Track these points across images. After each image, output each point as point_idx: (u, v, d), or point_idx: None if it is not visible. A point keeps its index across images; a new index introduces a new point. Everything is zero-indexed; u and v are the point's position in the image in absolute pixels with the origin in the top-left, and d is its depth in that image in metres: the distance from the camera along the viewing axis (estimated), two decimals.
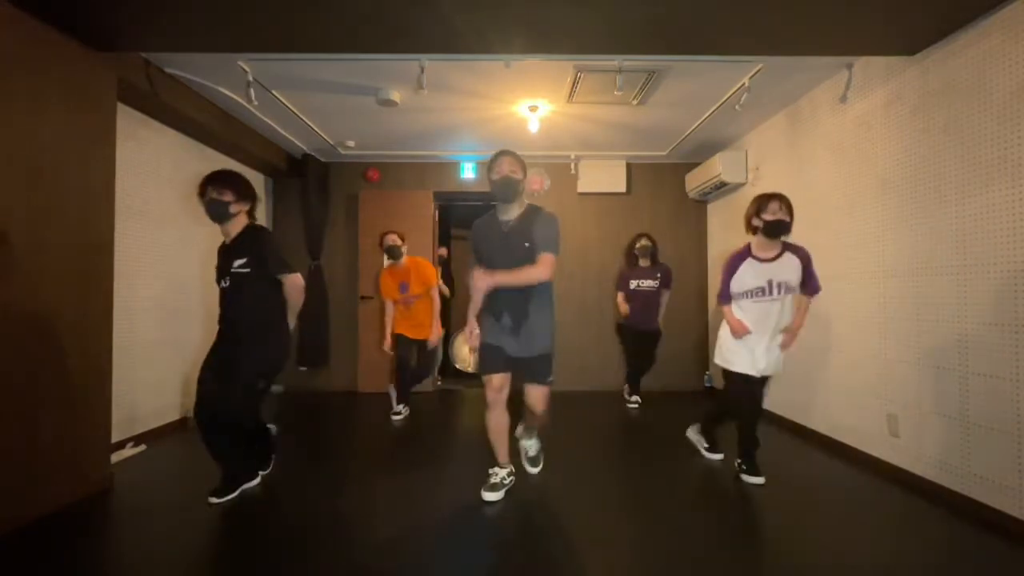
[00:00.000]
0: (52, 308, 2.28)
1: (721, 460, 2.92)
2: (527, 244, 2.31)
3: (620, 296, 4.42)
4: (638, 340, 4.39)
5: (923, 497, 2.42)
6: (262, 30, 2.43)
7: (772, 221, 2.47)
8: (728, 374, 2.66)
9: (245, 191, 2.38)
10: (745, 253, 2.59)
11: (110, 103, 2.62)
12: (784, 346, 2.57)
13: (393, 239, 3.93)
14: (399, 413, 4.03)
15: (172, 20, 2.34)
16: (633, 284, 4.32)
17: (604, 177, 5.10)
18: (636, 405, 4.38)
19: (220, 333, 2.41)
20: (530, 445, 2.75)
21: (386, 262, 4.14)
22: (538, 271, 2.27)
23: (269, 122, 4.01)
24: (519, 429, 2.76)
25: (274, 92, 3.47)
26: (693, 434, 3.07)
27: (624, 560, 1.89)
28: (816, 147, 3.39)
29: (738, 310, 2.62)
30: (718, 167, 4.34)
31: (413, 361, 4.10)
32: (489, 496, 2.37)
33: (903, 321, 2.64)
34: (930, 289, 2.49)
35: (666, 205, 5.20)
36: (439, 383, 5.35)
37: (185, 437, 3.50)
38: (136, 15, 2.29)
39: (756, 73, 3.13)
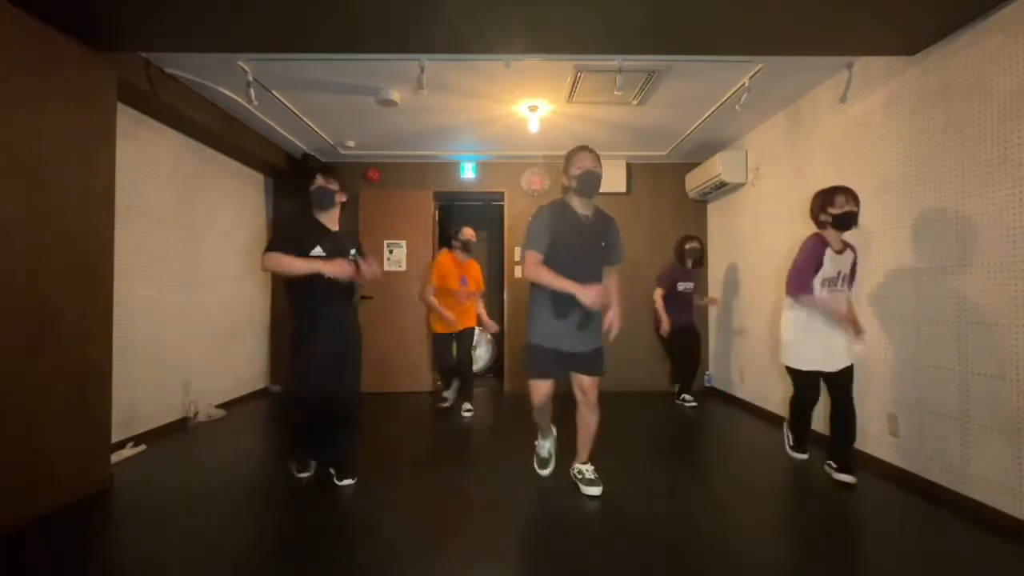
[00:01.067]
0: (52, 308, 2.28)
1: (804, 459, 2.91)
2: (604, 244, 2.42)
3: (658, 294, 4.40)
4: (690, 340, 4.46)
5: (923, 497, 2.42)
6: (262, 30, 2.43)
7: (841, 214, 2.49)
8: (799, 374, 2.64)
9: (343, 186, 2.65)
10: (825, 241, 2.57)
11: (110, 103, 2.62)
12: (858, 334, 2.54)
13: (471, 234, 4.11)
14: (445, 400, 4.29)
15: (172, 20, 2.34)
16: (681, 286, 4.38)
17: (604, 177, 5.05)
18: (693, 404, 4.42)
19: (328, 311, 2.49)
20: (586, 469, 2.54)
21: (452, 254, 4.13)
22: (615, 281, 2.50)
23: (269, 122, 4.01)
24: (575, 467, 2.60)
25: (274, 92, 3.47)
26: (786, 428, 3.04)
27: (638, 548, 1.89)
28: (816, 147, 3.39)
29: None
30: (718, 167, 4.34)
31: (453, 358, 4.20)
32: (543, 471, 2.68)
33: (903, 321, 2.64)
34: (930, 289, 2.49)
35: (666, 205, 5.20)
36: (439, 383, 5.34)
37: (185, 437, 3.50)
38: (136, 15, 2.28)
39: (756, 73, 3.13)
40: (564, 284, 2.21)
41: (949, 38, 2.39)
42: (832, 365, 2.57)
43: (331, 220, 2.59)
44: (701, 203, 5.22)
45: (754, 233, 4.24)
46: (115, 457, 2.88)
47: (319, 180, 2.54)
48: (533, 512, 2.31)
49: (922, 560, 1.90)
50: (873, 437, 2.84)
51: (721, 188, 4.57)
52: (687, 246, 4.39)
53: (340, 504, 2.38)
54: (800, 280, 2.55)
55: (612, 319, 2.40)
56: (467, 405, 4.18)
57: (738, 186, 4.44)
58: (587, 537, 2.06)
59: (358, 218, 5.07)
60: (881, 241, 2.80)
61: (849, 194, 2.50)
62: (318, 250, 2.45)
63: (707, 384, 5.09)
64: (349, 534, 2.09)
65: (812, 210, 2.62)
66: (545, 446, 2.69)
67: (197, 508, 2.31)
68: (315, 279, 2.41)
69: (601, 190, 5.52)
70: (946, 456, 2.39)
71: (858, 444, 2.94)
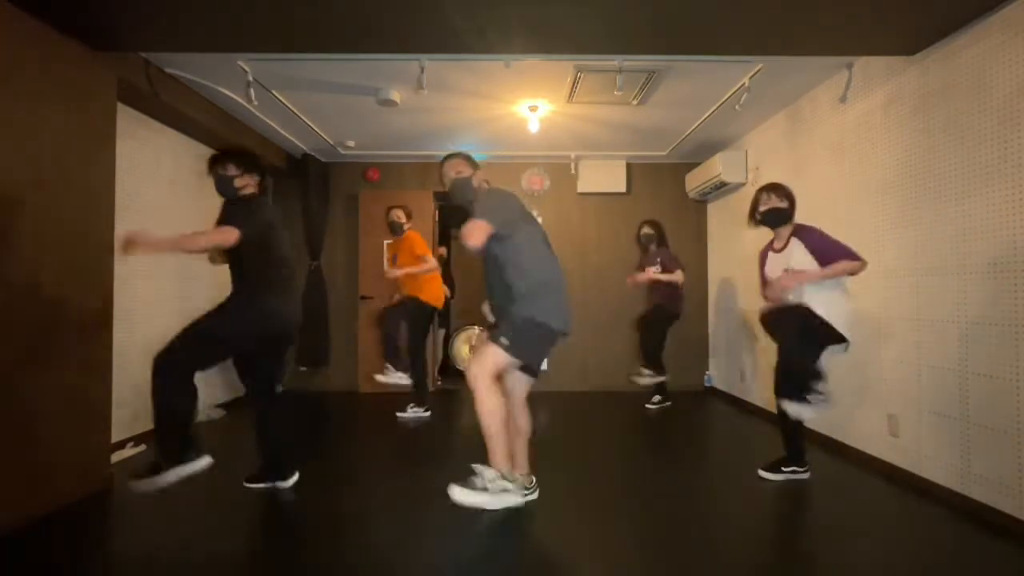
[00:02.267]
0: (52, 308, 2.28)
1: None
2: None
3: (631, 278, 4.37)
4: (653, 322, 4.33)
5: (923, 497, 2.42)
6: (262, 30, 2.43)
7: (765, 211, 2.51)
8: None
9: (250, 163, 2.32)
10: (768, 246, 2.63)
11: (110, 103, 2.62)
12: (784, 285, 2.37)
13: (396, 215, 4.03)
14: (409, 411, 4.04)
15: (172, 20, 2.33)
16: (649, 271, 4.28)
17: (604, 177, 5.10)
18: (658, 404, 4.32)
19: None
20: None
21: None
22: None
23: (269, 122, 4.01)
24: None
25: (274, 92, 3.47)
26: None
27: (622, 560, 1.89)
28: (816, 147, 3.39)
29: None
30: (718, 167, 4.33)
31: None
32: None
33: (903, 321, 2.64)
34: (930, 289, 2.49)
35: (666, 205, 5.19)
36: (439, 383, 5.35)
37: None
38: (136, 15, 2.28)
39: (756, 73, 3.13)
40: None
41: (949, 38, 2.39)
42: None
43: None
44: (701, 203, 5.22)
45: (754, 233, 4.22)
46: (115, 457, 2.88)
47: (217, 169, 2.28)
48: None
49: (922, 560, 1.90)
50: (873, 437, 2.84)
51: (721, 188, 4.57)
52: (640, 232, 4.40)
53: (339, 504, 2.38)
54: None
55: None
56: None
57: (738, 186, 4.44)
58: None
59: (358, 218, 5.07)
60: (881, 241, 2.80)
61: (773, 191, 2.49)
62: None
63: (707, 384, 5.09)
64: (349, 534, 2.09)
65: (749, 213, 2.63)
66: (510, 496, 2.00)
67: (197, 508, 2.31)
68: None
69: (601, 190, 5.50)
70: (946, 456, 2.39)
71: (858, 444, 2.95)
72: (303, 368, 4.99)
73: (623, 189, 5.12)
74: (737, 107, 3.47)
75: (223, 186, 2.28)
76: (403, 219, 4.03)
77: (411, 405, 4.04)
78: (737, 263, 4.56)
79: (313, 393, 4.99)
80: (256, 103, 3.35)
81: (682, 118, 3.99)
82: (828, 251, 2.40)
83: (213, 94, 3.46)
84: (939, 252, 2.44)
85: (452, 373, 5.80)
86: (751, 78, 3.18)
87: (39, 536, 2.06)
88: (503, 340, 2.01)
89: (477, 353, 2.04)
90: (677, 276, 4.20)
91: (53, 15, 2.22)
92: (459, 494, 1.92)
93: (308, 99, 3.62)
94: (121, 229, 2.95)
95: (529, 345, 2.08)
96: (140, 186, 3.35)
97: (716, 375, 5.01)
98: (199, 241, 2.13)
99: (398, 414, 4.00)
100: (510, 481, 1.99)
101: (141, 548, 1.97)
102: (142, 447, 3.17)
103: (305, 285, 4.96)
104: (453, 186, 2.26)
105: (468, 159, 2.32)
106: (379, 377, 3.90)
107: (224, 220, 2.16)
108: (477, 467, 2.00)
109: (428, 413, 4.05)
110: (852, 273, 2.36)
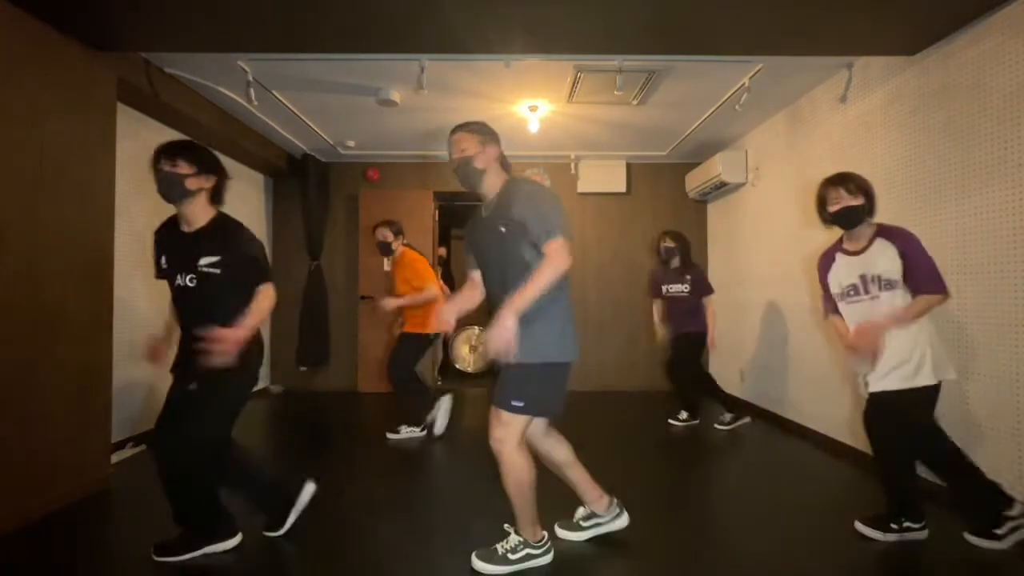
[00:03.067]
0: (52, 308, 2.28)
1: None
2: (502, 229, 1.74)
3: (655, 308, 3.88)
4: (683, 353, 3.73)
5: (923, 497, 2.41)
6: (262, 30, 2.43)
7: (837, 211, 2.02)
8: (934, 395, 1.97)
9: (206, 163, 1.89)
10: (836, 247, 2.14)
11: (110, 103, 2.62)
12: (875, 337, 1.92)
13: (382, 234, 3.41)
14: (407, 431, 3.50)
15: (172, 20, 2.34)
16: (665, 290, 3.76)
17: (604, 177, 5.10)
18: (687, 422, 3.77)
19: (179, 351, 1.92)
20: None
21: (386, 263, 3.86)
22: (546, 265, 1.66)
23: (269, 122, 4.01)
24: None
25: (274, 92, 3.47)
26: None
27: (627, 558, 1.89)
28: (816, 147, 3.39)
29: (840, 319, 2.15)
30: (718, 167, 4.34)
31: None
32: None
33: None
34: None
35: (666, 205, 5.20)
36: (439, 383, 5.35)
37: None
38: (136, 15, 2.28)
39: (756, 73, 3.13)
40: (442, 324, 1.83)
41: (949, 38, 2.39)
42: (863, 391, 2.07)
43: (187, 217, 1.88)
44: (701, 203, 5.22)
45: (754, 233, 4.24)
46: (115, 457, 2.88)
47: (162, 163, 1.81)
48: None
49: (922, 560, 1.90)
50: None
51: (721, 188, 4.57)
52: (661, 244, 3.78)
53: (339, 504, 2.38)
54: (823, 300, 2.22)
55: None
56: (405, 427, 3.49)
57: (738, 186, 4.44)
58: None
59: (358, 218, 5.07)
60: None
61: (845, 185, 2.01)
62: (163, 260, 1.90)
63: None
64: (347, 536, 2.09)
65: (817, 209, 2.14)
66: (535, 560, 1.80)
67: None
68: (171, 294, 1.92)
69: (601, 190, 5.48)
70: None
71: (857, 444, 2.95)
72: (303, 368, 4.99)
73: (623, 189, 5.13)
74: (737, 107, 3.47)
75: (169, 186, 1.81)
76: (390, 238, 3.40)
77: (406, 425, 3.52)
78: (737, 263, 4.56)
79: (313, 393, 4.99)
80: (256, 103, 3.36)
81: (682, 118, 3.99)
82: (919, 268, 1.93)
83: (213, 94, 3.46)
84: (939, 252, 2.43)
85: (452, 373, 5.81)
86: (751, 78, 3.18)
87: (39, 536, 2.06)
88: (517, 404, 1.70)
89: (498, 419, 1.74)
90: (710, 308, 3.69)
91: (53, 15, 2.23)
92: (480, 566, 1.77)
93: (308, 99, 3.62)
94: (121, 229, 2.96)
95: (546, 395, 1.75)
96: (140, 186, 3.34)
97: (717, 376, 5.00)
98: (262, 317, 1.87)
99: (389, 435, 3.47)
100: (534, 548, 1.81)
101: (141, 548, 1.97)
102: (142, 447, 3.17)
103: (305, 285, 4.97)
104: (458, 170, 1.85)
105: (477, 131, 1.86)
106: (391, 436, 3.45)
107: (226, 264, 1.83)
108: (507, 527, 1.84)
109: (423, 432, 3.49)
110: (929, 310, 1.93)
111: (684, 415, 3.80)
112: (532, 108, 3.74)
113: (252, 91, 3.19)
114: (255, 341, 1.91)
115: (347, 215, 5.19)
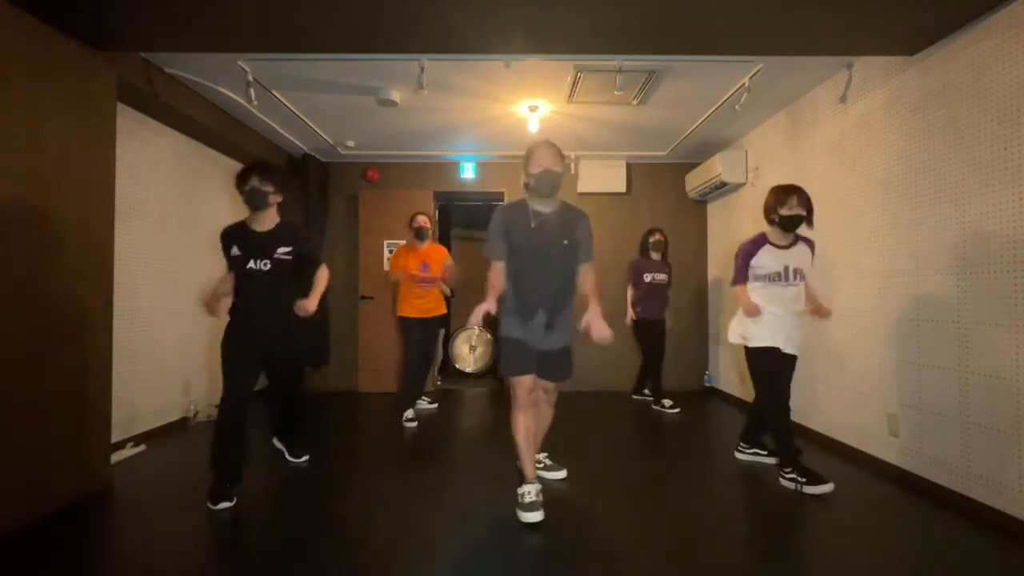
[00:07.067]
0: (52, 308, 2.28)
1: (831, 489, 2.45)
2: (566, 242, 2.27)
3: (630, 292, 4.38)
4: (651, 329, 4.33)
5: (923, 497, 2.42)
6: (262, 30, 2.43)
7: (789, 216, 2.52)
8: (752, 352, 2.66)
9: (284, 184, 2.56)
10: (762, 240, 2.64)
11: (110, 103, 2.62)
12: (822, 315, 2.67)
13: (424, 221, 4.01)
14: (412, 420, 3.81)
15: (172, 20, 2.34)
16: (648, 277, 4.28)
17: (604, 177, 5.10)
18: (674, 409, 4.20)
19: (248, 314, 2.47)
20: (542, 456, 2.73)
21: (407, 242, 4.14)
22: (591, 281, 2.35)
23: (269, 122, 4.01)
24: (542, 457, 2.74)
25: (274, 92, 3.47)
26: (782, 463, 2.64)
27: (627, 553, 1.89)
28: (816, 147, 3.39)
29: (752, 295, 2.65)
30: (718, 167, 4.34)
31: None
32: (531, 517, 2.12)
33: (903, 321, 2.64)
34: (930, 289, 2.49)
35: (666, 205, 5.20)
36: (439, 382, 5.35)
37: (185, 437, 3.50)
38: (136, 15, 2.28)
39: (756, 73, 3.13)
40: (489, 305, 2.16)
41: (949, 38, 2.39)
42: (783, 345, 2.59)
43: (260, 220, 2.50)
44: (701, 203, 5.22)
45: (754, 233, 4.22)
46: (115, 457, 2.88)
47: (253, 181, 2.44)
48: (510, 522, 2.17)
49: (922, 560, 1.90)
50: (873, 437, 2.84)
51: (721, 188, 4.57)
52: (651, 239, 4.35)
53: (339, 504, 2.38)
54: (735, 274, 2.72)
55: (590, 320, 2.24)
56: (409, 413, 3.82)
57: (738, 186, 4.44)
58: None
59: (358, 218, 5.07)
60: (881, 241, 2.80)
61: (802, 197, 2.51)
62: (235, 250, 2.43)
63: (707, 384, 5.09)
64: (349, 533, 2.09)
65: (765, 206, 2.61)
66: (531, 491, 2.19)
67: (197, 508, 2.30)
68: (237, 274, 2.47)
69: (601, 190, 5.50)
70: (946, 456, 2.39)
71: (858, 444, 2.95)
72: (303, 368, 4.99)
73: (623, 189, 5.12)
74: (737, 107, 3.47)
75: (258, 198, 2.44)
76: (429, 224, 4.06)
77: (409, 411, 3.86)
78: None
79: (313, 393, 4.99)
80: (256, 103, 3.35)
81: (682, 118, 3.99)
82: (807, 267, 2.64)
83: (213, 94, 3.46)
84: (939, 252, 2.44)
85: (452, 373, 5.81)
86: (751, 78, 3.18)
87: (39, 536, 2.06)
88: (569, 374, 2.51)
89: (555, 388, 2.52)
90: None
91: (53, 15, 2.22)
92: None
93: (308, 99, 3.62)
94: (121, 229, 2.96)
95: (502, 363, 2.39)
96: (140, 186, 3.35)
97: (717, 375, 5.01)
98: (323, 288, 2.76)
99: (406, 420, 3.79)
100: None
101: (141, 548, 1.97)
102: (142, 447, 3.17)
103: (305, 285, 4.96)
104: (551, 177, 2.23)
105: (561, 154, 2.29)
106: (409, 415, 3.82)
107: (305, 254, 2.62)
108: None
109: (435, 405, 4.21)
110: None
111: (668, 403, 4.24)
112: (532, 108, 3.74)
113: (252, 91, 3.19)
114: (323, 304, 2.81)
115: (347, 215, 5.19)
